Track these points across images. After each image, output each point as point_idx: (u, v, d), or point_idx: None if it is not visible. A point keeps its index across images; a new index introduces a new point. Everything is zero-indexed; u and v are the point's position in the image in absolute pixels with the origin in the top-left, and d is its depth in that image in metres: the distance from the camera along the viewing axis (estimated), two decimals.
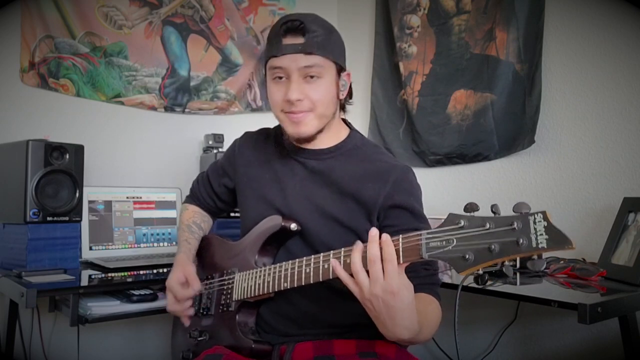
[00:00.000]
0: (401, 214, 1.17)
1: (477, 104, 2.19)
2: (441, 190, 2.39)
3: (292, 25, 1.14)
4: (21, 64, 2.09)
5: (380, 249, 0.91)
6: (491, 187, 2.21)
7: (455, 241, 0.86)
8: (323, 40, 1.16)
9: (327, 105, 1.19)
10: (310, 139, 1.23)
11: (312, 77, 1.16)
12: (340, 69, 1.22)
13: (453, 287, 1.46)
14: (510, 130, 2.09)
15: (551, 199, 2.01)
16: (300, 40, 1.14)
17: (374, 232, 0.93)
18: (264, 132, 1.41)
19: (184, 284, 1.29)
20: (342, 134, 1.29)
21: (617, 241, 1.65)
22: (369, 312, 0.94)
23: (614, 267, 1.60)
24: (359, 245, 0.95)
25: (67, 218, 1.74)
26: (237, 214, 2.07)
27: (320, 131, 1.22)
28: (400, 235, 0.93)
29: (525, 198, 2.09)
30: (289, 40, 1.15)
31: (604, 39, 1.88)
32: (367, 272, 0.92)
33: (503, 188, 2.17)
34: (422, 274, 1.12)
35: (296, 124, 1.19)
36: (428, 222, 1.20)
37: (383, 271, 0.90)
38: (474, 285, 1.54)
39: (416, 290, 1.06)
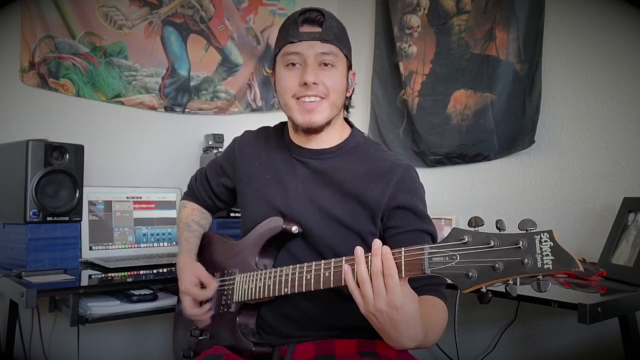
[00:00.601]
0: (405, 214, 1.16)
1: (477, 104, 2.19)
2: (441, 190, 2.39)
3: (310, 15, 1.19)
4: (21, 64, 2.09)
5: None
6: (491, 187, 2.21)
7: (458, 257, 0.85)
8: (338, 32, 1.21)
9: (339, 94, 1.21)
10: (319, 130, 1.22)
11: (326, 64, 1.18)
12: (349, 66, 1.25)
13: (453, 287, 1.46)
14: (510, 130, 2.09)
15: (551, 199, 2.01)
16: (317, 29, 1.18)
17: (377, 244, 0.91)
18: (263, 130, 1.40)
19: (197, 285, 1.29)
20: (344, 133, 1.29)
21: (617, 241, 1.65)
22: (372, 325, 0.93)
23: (614, 267, 1.60)
24: (361, 255, 0.92)
25: (67, 218, 1.74)
26: (237, 214, 2.08)
27: (328, 123, 1.22)
28: (403, 249, 0.91)
29: (525, 198, 2.09)
30: (306, 29, 1.18)
31: (604, 39, 1.88)
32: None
33: (503, 188, 2.17)
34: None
35: (308, 112, 1.18)
36: (432, 221, 1.19)
37: (385, 285, 0.88)
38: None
39: (421, 292, 1.05)
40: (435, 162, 2.37)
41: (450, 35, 2.29)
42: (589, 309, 1.20)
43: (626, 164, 1.82)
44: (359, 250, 0.93)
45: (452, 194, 2.35)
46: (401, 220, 1.16)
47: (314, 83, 1.16)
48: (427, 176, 2.37)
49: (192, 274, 1.30)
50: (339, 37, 1.21)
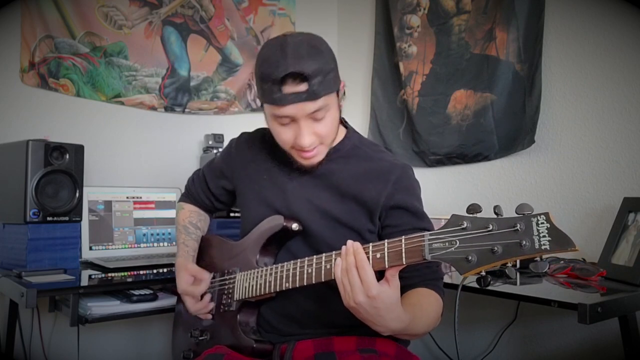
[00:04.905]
0: (403, 214, 1.18)
1: (477, 104, 2.19)
2: (441, 190, 2.39)
3: (292, 75, 1.05)
4: (21, 64, 2.09)
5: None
6: (491, 187, 2.21)
7: (458, 242, 0.86)
8: (324, 79, 1.08)
9: (333, 132, 1.19)
10: (322, 163, 1.22)
11: (318, 118, 1.12)
12: (339, 89, 1.16)
13: (453, 287, 1.46)
14: (510, 130, 2.09)
15: (551, 199, 2.01)
16: (302, 87, 1.06)
17: (349, 243, 0.97)
18: (260, 132, 1.39)
19: (193, 283, 1.31)
20: (339, 135, 1.27)
21: (617, 241, 1.65)
22: (357, 316, 0.97)
23: (614, 267, 1.60)
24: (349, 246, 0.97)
25: (67, 218, 1.74)
26: (236, 214, 2.08)
27: None
28: (403, 237, 0.93)
29: (525, 198, 2.09)
30: (289, 89, 1.06)
31: (604, 39, 1.88)
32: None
33: (503, 188, 2.17)
34: (422, 272, 1.13)
35: (308, 159, 1.18)
36: (429, 219, 1.20)
37: (360, 278, 0.93)
38: (474, 283, 1.54)
39: (417, 286, 1.11)
40: (435, 162, 2.37)
41: (450, 35, 2.30)
42: (589, 309, 1.20)
43: (626, 164, 1.82)
44: (344, 248, 0.97)
45: (452, 194, 2.35)
46: (399, 219, 1.18)
47: (312, 143, 1.13)
48: (427, 176, 2.37)
49: (185, 273, 1.32)
50: (325, 86, 1.08)
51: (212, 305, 1.32)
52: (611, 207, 1.79)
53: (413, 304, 1.03)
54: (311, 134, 1.13)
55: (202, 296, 1.32)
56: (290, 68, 1.05)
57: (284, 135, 1.16)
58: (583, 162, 1.93)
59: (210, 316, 1.33)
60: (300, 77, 1.05)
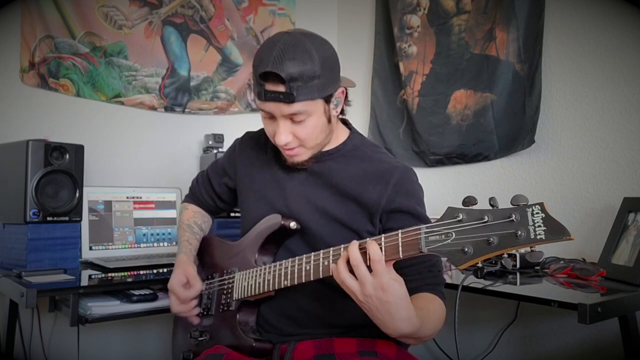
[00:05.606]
0: (403, 217, 1.17)
1: (477, 104, 2.19)
2: (441, 190, 2.39)
3: (271, 75, 1.08)
4: (21, 64, 2.09)
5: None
6: (491, 187, 2.21)
7: (454, 235, 0.86)
8: (304, 85, 1.08)
9: (316, 137, 1.18)
10: (308, 162, 1.22)
11: (297, 121, 1.13)
12: (330, 96, 1.16)
13: (453, 287, 1.46)
14: (510, 130, 2.09)
15: (551, 199, 2.01)
16: (281, 88, 1.08)
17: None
18: (264, 131, 1.40)
19: (185, 284, 1.30)
20: (341, 136, 1.28)
21: (617, 241, 1.65)
22: (367, 313, 0.95)
23: (614, 267, 1.60)
24: (355, 242, 0.96)
25: (67, 218, 1.74)
26: (237, 214, 2.08)
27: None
28: (400, 231, 0.94)
29: None
30: (270, 87, 1.09)
31: (604, 39, 1.88)
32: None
33: (503, 188, 2.17)
34: (425, 275, 1.13)
35: (290, 156, 1.21)
36: (430, 222, 1.19)
37: (371, 271, 0.92)
38: (474, 283, 1.54)
39: (420, 291, 1.10)
40: (435, 162, 2.37)
41: (450, 35, 2.30)
42: (589, 309, 1.20)
43: (626, 164, 1.82)
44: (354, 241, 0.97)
45: (452, 194, 2.35)
46: (401, 223, 1.16)
47: (287, 142, 1.15)
48: (427, 176, 2.37)
49: (181, 273, 1.32)
50: (304, 92, 1.08)
51: (196, 310, 1.33)
52: (611, 207, 1.79)
53: (421, 307, 1.02)
54: (288, 133, 1.15)
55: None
56: (269, 68, 1.07)
57: (268, 129, 1.20)
58: (583, 162, 1.93)
59: (196, 319, 1.33)
60: (278, 79, 1.07)
